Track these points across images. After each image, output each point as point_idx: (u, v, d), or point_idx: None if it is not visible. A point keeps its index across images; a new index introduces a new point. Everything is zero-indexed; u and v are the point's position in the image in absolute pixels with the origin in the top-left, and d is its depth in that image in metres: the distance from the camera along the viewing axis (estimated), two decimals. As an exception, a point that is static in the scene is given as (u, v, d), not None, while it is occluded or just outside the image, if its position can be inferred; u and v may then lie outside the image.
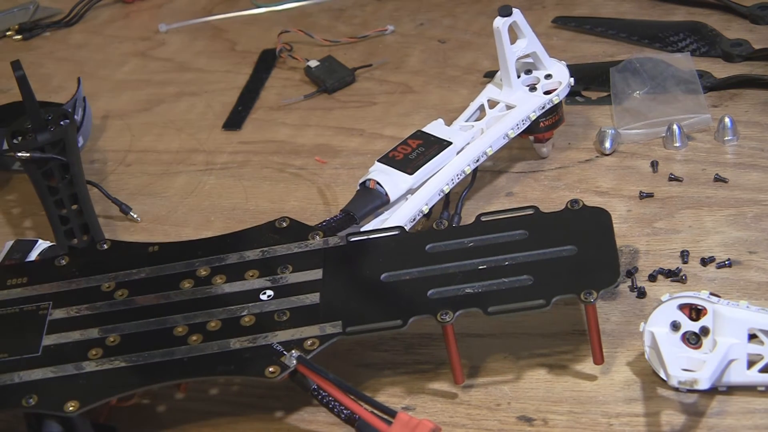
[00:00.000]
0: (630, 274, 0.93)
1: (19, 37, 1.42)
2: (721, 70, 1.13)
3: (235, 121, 1.21)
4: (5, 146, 1.08)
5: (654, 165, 1.04)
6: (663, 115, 1.07)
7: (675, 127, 1.05)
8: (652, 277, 0.92)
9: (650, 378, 0.84)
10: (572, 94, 1.10)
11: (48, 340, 0.86)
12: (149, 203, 1.11)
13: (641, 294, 0.91)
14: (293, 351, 0.81)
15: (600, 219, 0.87)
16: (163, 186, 1.14)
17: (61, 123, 1.08)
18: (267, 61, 1.30)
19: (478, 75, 1.20)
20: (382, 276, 0.86)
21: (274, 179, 1.12)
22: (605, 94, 1.13)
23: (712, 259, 0.93)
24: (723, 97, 1.10)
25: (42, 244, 0.97)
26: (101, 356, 0.84)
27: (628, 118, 1.08)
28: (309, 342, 0.82)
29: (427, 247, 0.88)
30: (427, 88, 1.21)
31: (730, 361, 0.81)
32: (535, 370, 0.87)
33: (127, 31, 1.42)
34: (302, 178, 1.11)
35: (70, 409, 0.80)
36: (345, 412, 0.80)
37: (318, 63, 1.25)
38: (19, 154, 1.05)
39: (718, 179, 1.01)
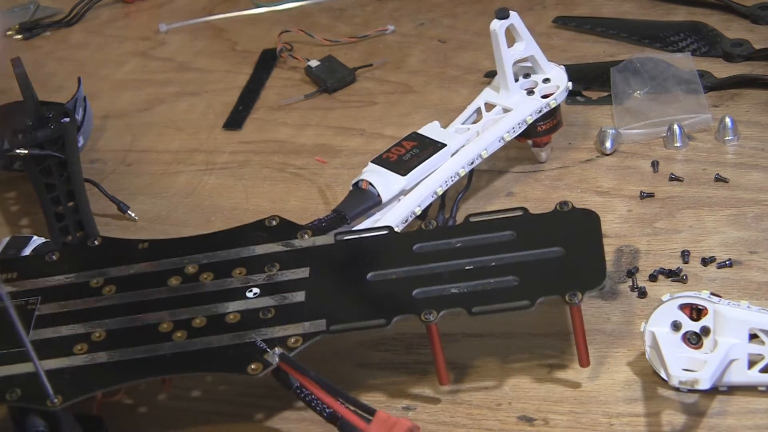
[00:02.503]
0: (631, 274, 0.93)
1: (19, 36, 1.42)
2: (721, 70, 1.13)
3: (235, 120, 1.21)
4: (6, 146, 1.09)
5: (654, 165, 1.03)
6: (663, 115, 1.07)
7: (676, 127, 1.05)
8: (653, 277, 0.92)
9: (651, 378, 0.84)
10: (573, 94, 1.10)
11: (35, 334, 0.86)
12: (150, 203, 1.11)
13: (642, 294, 0.91)
14: (276, 348, 0.81)
15: (588, 221, 0.87)
16: (164, 186, 1.14)
17: (61, 120, 1.08)
18: (267, 61, 1.30)
19: (479, 75, 1.20)
20: (369, 275, 0.86)
21: (274, 179, 1.12)
22: (606, 94, 1.13)
23: (712, 259, 0.93)
24: (723, 97, 1.10)
25: (36, 240, 0.97)
26: (86, 351, 0.84)
27: (629, 118, 1.08)
28: (293, 340, 0.82)
29: (415, 247, 0.87)
30: (428, 88, 1.20)
31: (731, 361, 0.81)
32: (536, 369, 0.87)
33: (127, 30, 1.41)
34: (303, 177, 1.11)
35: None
36: (327, 410, 0.79)
37: (318, 63, 1.25)
38: (18, 151, 1.05)
39: (719, 179, 1.01)
